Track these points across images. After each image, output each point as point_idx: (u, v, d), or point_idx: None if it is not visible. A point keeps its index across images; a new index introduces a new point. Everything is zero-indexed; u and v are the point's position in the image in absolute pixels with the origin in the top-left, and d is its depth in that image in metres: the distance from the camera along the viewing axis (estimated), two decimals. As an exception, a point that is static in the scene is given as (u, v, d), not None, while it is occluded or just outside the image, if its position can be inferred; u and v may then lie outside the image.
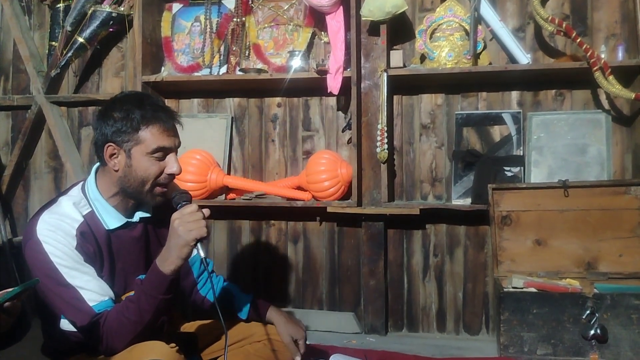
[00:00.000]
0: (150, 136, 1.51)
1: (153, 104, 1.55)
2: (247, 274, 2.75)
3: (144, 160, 1.52)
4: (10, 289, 1.23)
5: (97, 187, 1.58)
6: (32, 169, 2.97)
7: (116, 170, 1.54)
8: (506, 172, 2.44)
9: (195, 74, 2.70)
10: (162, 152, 1.54)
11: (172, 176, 1.57)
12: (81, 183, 1.62)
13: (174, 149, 1.57)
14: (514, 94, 2.54)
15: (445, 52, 2.46)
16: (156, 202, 1.59)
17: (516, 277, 2.18)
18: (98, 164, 1.62)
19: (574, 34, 2.26)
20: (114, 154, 1.53)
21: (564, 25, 2.27)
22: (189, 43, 2.77)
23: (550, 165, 2.43)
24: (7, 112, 3.00)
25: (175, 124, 1.58)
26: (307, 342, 1.84)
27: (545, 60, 2.50)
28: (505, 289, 2.15)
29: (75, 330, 1.47)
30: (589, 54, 2.23)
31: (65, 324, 1.48)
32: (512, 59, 2.44)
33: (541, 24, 2.33)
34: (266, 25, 2.72)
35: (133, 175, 1.53)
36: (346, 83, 2.46)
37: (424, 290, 2.60)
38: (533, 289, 2.12)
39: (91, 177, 1.60)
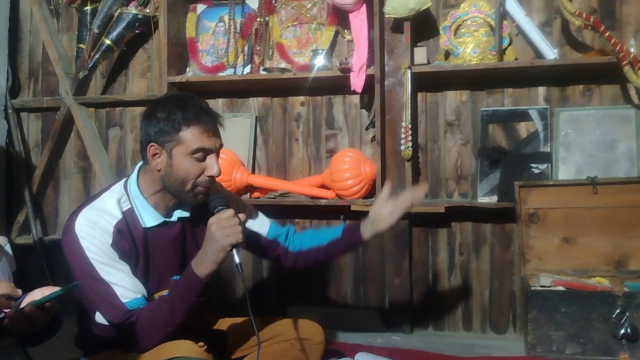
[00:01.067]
0: (190, 137, 1.53)
1: (195, 105, 1.57)
2: (272, 272, 2.77)
3: (185, 161, 1.54)
4: (52, 291, 1.26)
5: (138, 185, 1.61)
6: (62, 169, 3.03)
7: (158, 170, 1.56)
8: (533, 169, 2.41)
9: (220, 74, 2.72)
10: (203, 153, 1.55)
11: (212, 178, 1.58)
12: (124, 179, 1.65)
13: (214, 150, 1.58)
14: (541, 90, 2.51)
15: (470, 49, 2.43)
16: (197, 201, 1.60)
17: (544, 275, 2.16)
18: (141, 162, 1.64)
19: (602, 28, 2.22)
20: (157, 153, 1.55)
21: (591, 19, 2.23)
22: (213, 43, 2.80)
23: (578, 162, 2.39)
24: (37, 114, 3.07)
25: (217, 125, 1.60)
26: (333, 341, 1.84)
27: (572, 55, 2.45)
28: (532, 288, 2.12)
29: (108, 324, 1.50)
30: (617, 48, 2.18)
31: (100, 318, 1.51)
32: (539, 54, 2.41)
33: (568, 18, 2.29)
34: (289, 24, 2.73)
35: (174, 175, 1.55)
36: (369, 81, 2.45)
37: (449, 289, 2.59)
38: (561, 288, 2.09)
39: (134, 175, 1.63)
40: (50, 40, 2.93)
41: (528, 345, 2.08)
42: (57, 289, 1.28)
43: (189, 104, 1.56)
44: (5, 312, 1.26)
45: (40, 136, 3.07)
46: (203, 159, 1.56)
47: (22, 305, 1.26)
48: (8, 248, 1.51)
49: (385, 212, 1.77)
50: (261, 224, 1.85)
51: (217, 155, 1.60)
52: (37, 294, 1.27)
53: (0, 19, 2.93)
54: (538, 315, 2.06)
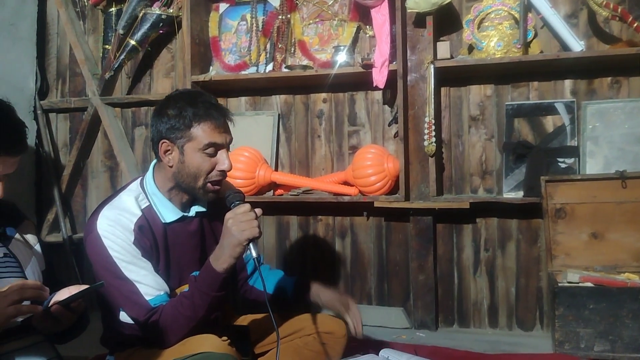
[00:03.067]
0: (201, 133, 1.55)
1: (205, 102, 1.59)
2: (296, 269, 2.78)
3: (196, 157, 1.56)
4: (78, 290, 1.29)
5: (154, 181, 1.64)
6: (90, 168, 3.09)
7: (170, 166, 1.59)
8: (560, 164, 2.37)
9: (242, 72, 2.74)
10: (214, 149, 1.57)
11: (223, 173, 1.61)
12: (140, 178, 1.68)
13: (225, 146, 1.60)
14: (567, 83, 2.46)
15: (494, 42, 2.40)
16: (208, 198, 1.63)
17: (571, 271, 2.12)
18: (156, 160, 1.67)
19: (630, 19, 2.17)
20: (168, 150, 1.58)
21: (619, 9, 2.18)
22: (236, 42, 2.82)
23: (606, 156, 2.34)
24: (65, 115, 3.13)
25: (227, 120, 1.62)
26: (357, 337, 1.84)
27: (599, 47, 2.40)
28: (560, 284, 2.09)
29: (132, 322, 1.52)
30: (647, 38, 2.13)
31: (124, 316, 1.54)
32: (565, 47, 2.37)
33: (595, 9, 2.24)
34: (311, 21, 2.74)
35: (186, 171, 1.57)
36: (392, 76, 2.44)
37: (475, 285, 2.56)
38: (589, 284, 2.05)
39: (149, 172, 1.66)
40: (77, 41, 2.98)
41: (556, 342, 2.05)
42: (83, 287, 1.30)
43: (199, 100, 1.58)
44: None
45: (68, 136, 3.13)
46: (214, 154, 1.58)
47: (49, 304, 1.29)
48: (38, 247, 1.54)
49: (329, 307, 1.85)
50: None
51: (228, 150, 1.61)
52: (65, 293, 1.30)
53: (29, 22, 2.99)
54: (566, 312, 2.02)
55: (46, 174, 3.06)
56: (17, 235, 1.48)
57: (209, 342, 1.45)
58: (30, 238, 1.53)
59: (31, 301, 1.27)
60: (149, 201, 1.62)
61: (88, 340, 1.68)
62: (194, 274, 1.58)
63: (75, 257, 2.94)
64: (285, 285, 1.89)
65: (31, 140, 3.02)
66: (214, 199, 1.63)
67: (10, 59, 2.88)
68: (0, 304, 1.22)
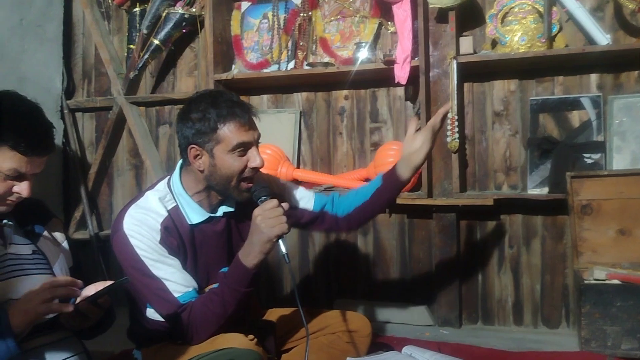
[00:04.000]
0: (229, 133, 1.54)
1: (227, 100, 1.58)
2: (318, 266, 2.78)
3: (227, 158, 1.56)
4: (104, 286, 1.31)
5: (181, 183, 1.64)
6: (115, 166, 3.13)
7: (201, 171, 1.58)
8: (586, 159, 2.33)
9: (264, 70, 2.75)
10: (243, 148, 1.56)
11: (255, 170, 1.60)
12: (167, 178, 1.68)
13: (253, 143, 1.59)
14: (593, 77, 2.42)
15: (517, 37, 2.37)
16: (243, 197, 1.62)
17: (598, 268, 2.08)
18: (182, 160, 1.67)
19: (659, 11, 2.12)
20: (198, 155, 1.57)
21: (647, 1, 2.14)
22: (258, 40, 2.83)
23: (634, 151, 2.29)
24: (91, 114, 3.18)
25: (252, 117, 1.61)
26: (380, 335, 1.83)
27: (626, 40, 2.35)
28: (586, 281, 2.05)
29: (161, 319, 1.54)
30: (676, 30, 2.08)
31: (151, 313, 1.55)
32: (590, 41, 2.32)
33: (621, 2, 2.20)
34: (332, 18, 2.73)
35: (219, 173, 1.57)
36: (414, 72, 2.42)
37: (499, 283, 2.54)
38: (617, 281, 2.02)
39: (176, 173, 1.66)
40: (102, 42, 3.03)
41: (582, 340, 2.02)
42: (108, 283, 1.32)
43: (220, 100, 1.57)
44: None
45: (94, 135, 3.18)
46: (244, 153, 1.57)
47: (77, 301, 1.31)
48: (65, 244, 1.57)
49: (416, 144, 1.76)
50: (306, 199, 1.86)
51: (257, 146, 1.61)
52: (91, 289, 1.32)
53: (55, 24, 3.04)
54: (592, 310, 1.99)
55: (73, 173, 3.12)
56: (45, 233, 1.51)
57: (236, 340, 1.46)
58: (58, 235, 1.56)
59: (60, 299, 1.30)
60: (176, 202, 1.62)
61: (114, 336, 1.70)
62: (222, 270, 1.59)
63: (101, 254, 2.99)
64: (374, 186, 1.84)
65: (58, 139, 3.08)
66: (248, 198, 1.61)
67: (38, 60, 2.94)
68: (32, 301, 1.25)
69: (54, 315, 1.36)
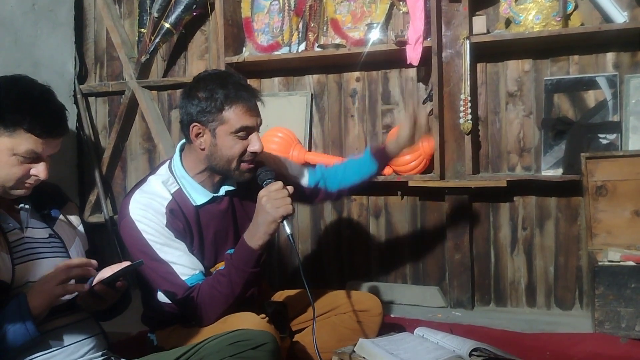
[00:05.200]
0: (234, 116, 1.56)
1: (235, 83, 1.59)
2: (331, 248, 2.80)
3: (229, 140, 1.58)
4: (120, 268, 1.33)
5: (182, 165, 1.66)
6: (128, 150, 3.16)
7: (202, 149, 1.60)
8: (601, 140, 2.30)
9: (275, 52, 2.74)
10: (246, 131, 1.59)
11: (255, 154, 1.62)
12: (168, 161, 1.70)
13: (256, 128, 1.62)
14: (609, 56, 2.38)
15: (532, 15, 2.33)
16: (244, 178, 1.64)
17: (612, 250, 2.07)
18: (182, 142, 1.69)
19: (678, -13, 2.07)
20: (200, 133, 1.59)
21: (666, -23, 2.09)
22: (269, 22, 2.81)
23: (650, 131, 2.26)
24: (104, 98, 3.19)
25: (257, 102, 1.62)
26: (392, 316, 1.85)
27: (644, 18, 2.31)
28: (600, 263, 2.04)
29: (170, 302, 1.56)
30: (696, 7, 2.03)
31: (162, 297, 1.57)
32: (607, 19, 2.28)
33: (640, -22, 2.15)
34: (343, -1, 2.70)
35: (219, 153, 1.59)
36: (426, 53, 2.40)
37: (512, 264, 2.53)
38: (631, 263, 2.00)
39: (176, 156, 1.68)
40: (113, 26, 3.03)
41: (595, 321, 2.01)
42: (124, 265, 1.34)
43: (229, 82, 1.58)
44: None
45: (107, 119, 3.19)
46: (246, 137, 1.59)
47: (93, 284, 1.33)
48: (81, 228, 1.59)
49: (404, 131, 1.86)
50: (302, 175, 1.92)
51: (258, 131, 1.63)
52: (107, 272, 1.34)
53: (67, 8, 3.05)
54: (606, 291, 1.98)
55: (87, 157, 3.14)
56: (61, 217, 1.53)
57: (248, 320, 1.48)
58: (74, 219, 1.58)
59: (76, 280, 1.32)
60: (179, 184, 1.63)
61: (131, 318, 1.73)
62: (229, 251, 1.61)
63: (116, 237, 3.02)
64: (364, 163, 1.94)
65: (72, 124, 3.11)
66: (250, 179, 1.64)
67: (51, 45, 2.95)
68: (49, 283, 1.27)
69: (72, 297, 1.38)
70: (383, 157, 1.91)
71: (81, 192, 3.18)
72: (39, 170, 1.37)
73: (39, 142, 1.33)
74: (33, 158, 1.35)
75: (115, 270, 1.33)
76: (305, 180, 1.92)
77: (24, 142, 1.32)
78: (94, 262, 1.33)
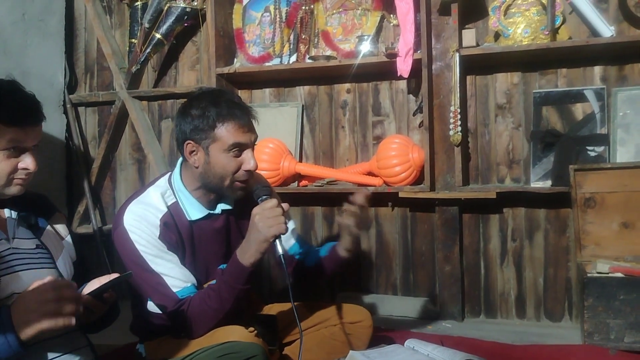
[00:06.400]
0: (226, 133, 1.56)
1: (228, 101, 1.59)
2: (322, 259, 2.78)
3: (222, 157, 1.57)
4: (108, 280, 1.31)
5: (181, 179, 1.66)
6: (118, 160, 3.14)
7: (196, 167, 1.60)
8: (589, 152, 2.32)
9: (266, 64, 2.74)
10: (239, 149, 1.58)
11: (249, 172, 1.61)
12: (169, 174, 1.70)
13: (250, 145, 1.60)
14: (597, 69, 2.41)
15: (521, 29, 2.36)
16: (237, 196, 1.64)
17: (601, 261, 2.08)
18: (182, 158, 1.68)
19: (663, 2, 2.11)
20: (193, 151, 1.59)
21: (652, -8, 2.12)
22: (260, 33, 2.82)
23: (638, 144, 2.28)
24: (94, 108, 3.18)
25: (251, 119, 1.61)
26: (383, 328, 1.84)
27: (631, 32, 2.34)
28: (589, 274, 2.05)
29: (160, 312, 1.55)
30: (681, 22, 2.07)
31: (152, 306, 1.57)
32: (594, 32, 2.31)
33: (626, -7, 2.19)
34: (334, 11, 2.72)
35: (212, 171, 1.58)
36: (416, 65, 2.42)
37: (502, 276, 2.54)
38: (620, 274, 2.01)
39: (177, 170, 1.68)
40: (104, 36, 3.03)
41: (585, 333, 2.02)
42: (113, 277, 1.33)
43: (221, 100, 1.58)
44: None
45: (97, 129, 3.18)
46: (239, 155, 1.59)
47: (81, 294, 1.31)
48: (68, 238, 1.57)
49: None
50: (287, 239, 1.81)
51: (253, 149, 1.61)
52: (95, 283, 1.32)
53: (57, 18, 3.04)
54: (595, 303, 1.99)
55: (76, 167, 3.12)
56: (49, 227, 1.51)
57: (237, 333, 1.47)
58: (62, 229, 1.56)
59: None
60: (176, 198, 1.63)
61: (118, 330, 1.71)
62: (221, 266, 1.60)
63: (105, 248, 3.00)
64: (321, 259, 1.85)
65: (61, 133, 3.09)
66: (243, 197, 1.63)
67: (41, 55, 2.94)
68: (35, 313, 1.17)
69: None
70: (334, 252, 1.81)
71: (70, 202, 3.15)
72: (27, 163, 1.36)
73: (19, 131, 1.33)
74: (18, 150, 1.34)
75: (104, 282, 1.31)
76: (287, 245, 1.81)
77: (4, 134, 1.31)
78: (73, 284, 1.29)
